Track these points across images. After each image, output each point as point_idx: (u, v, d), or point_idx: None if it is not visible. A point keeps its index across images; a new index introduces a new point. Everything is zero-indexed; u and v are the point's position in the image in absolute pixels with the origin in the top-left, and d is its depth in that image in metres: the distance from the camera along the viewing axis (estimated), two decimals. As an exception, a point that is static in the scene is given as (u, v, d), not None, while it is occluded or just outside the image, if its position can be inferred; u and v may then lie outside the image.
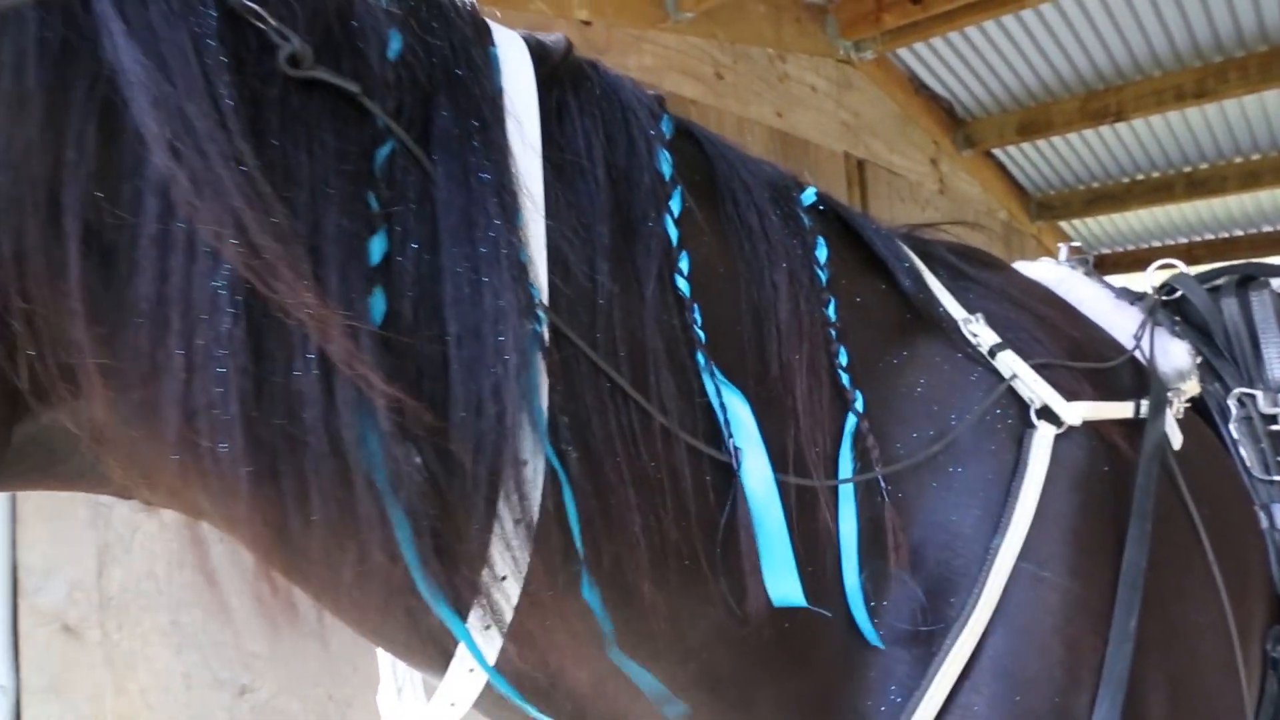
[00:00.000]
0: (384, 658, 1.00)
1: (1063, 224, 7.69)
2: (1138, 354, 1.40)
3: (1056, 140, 6.31)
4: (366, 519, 0.70)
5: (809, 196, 1.14)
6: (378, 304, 0.71)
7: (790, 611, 0.94)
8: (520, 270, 0.75)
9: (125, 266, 0.65)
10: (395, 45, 0.77)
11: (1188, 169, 6.58)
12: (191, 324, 0.65)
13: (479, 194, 0.75)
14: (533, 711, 0.91)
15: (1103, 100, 5.52)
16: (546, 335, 0.78)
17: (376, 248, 0.72)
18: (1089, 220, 7.58)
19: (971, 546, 1.03)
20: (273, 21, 0.70)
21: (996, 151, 6.60)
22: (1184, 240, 7.91)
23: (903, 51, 5.38)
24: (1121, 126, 5.99)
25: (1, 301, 0.64)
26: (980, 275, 1.28)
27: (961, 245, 1.37)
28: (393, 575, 0.73)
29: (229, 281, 0.65)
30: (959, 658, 0.98)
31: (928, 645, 0.99)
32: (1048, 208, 7.21)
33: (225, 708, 2.39)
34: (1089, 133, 6.14)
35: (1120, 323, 1.48)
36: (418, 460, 0.71)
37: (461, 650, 0.78)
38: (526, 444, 0.75)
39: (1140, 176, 6.77)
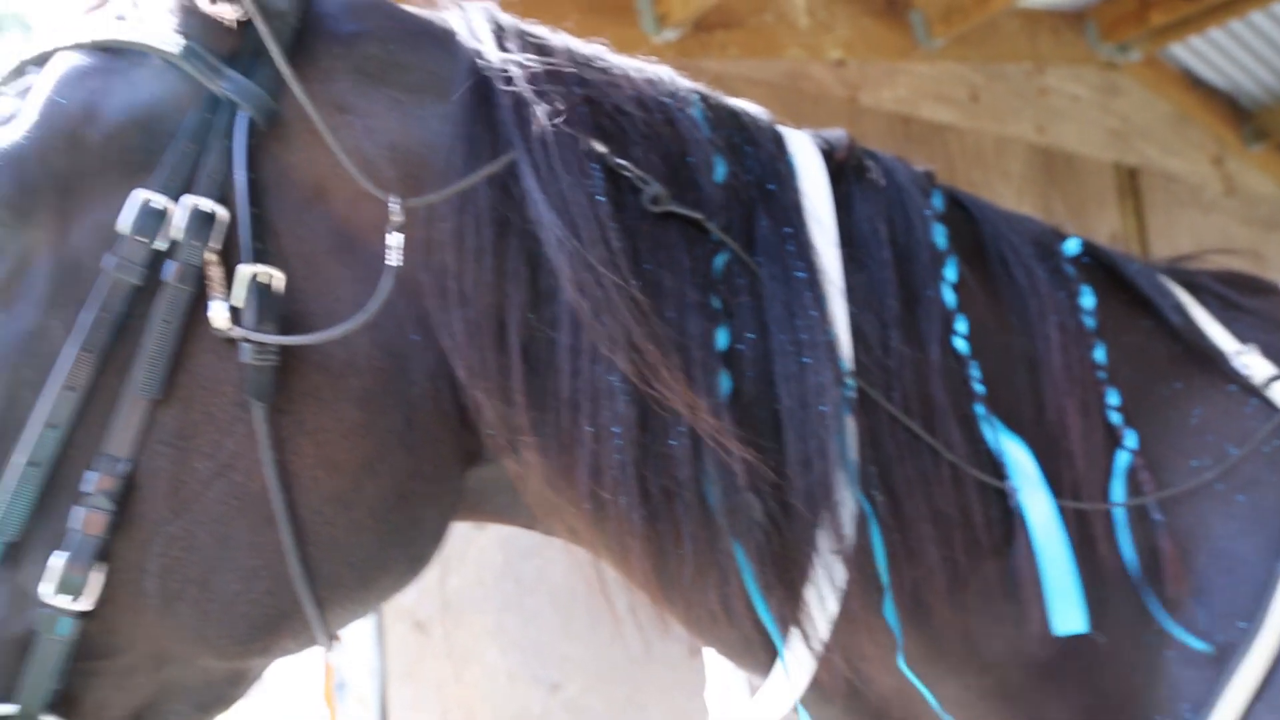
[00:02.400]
0: (714, 662, 1.19)
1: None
2: None
3: (1369, 125, 5.66)
4: (721, 554, 0.92)
5: (1072, 247, 1.24)
6: (725, 383, 0.93)
7: (1079, 634, 1.04)
8: (832, 348, 0.95)
9: (548, 368, 0.91)
10: (720, 171, 1.00)
11: None
12: (596, 408, 0.90)
13: (797, 288, 0.97)
14: (842, 713, 1.08)
15: None
16: (855, 398, 0.96)
17: (721, 339, 0.95)
18: None
19: (1256, 571, 1.08)
20: (639, 172, 0.93)
21: (1294, 143, 6.02)
22: None
23: (1175, 48, 5.07)
24: None
25: (468, 393, 0.92)
26: (1251, 304, 1.31)
27: (1230, 273, 1.40)
28: (737, 596, 0.94)
29: (622, 376, 0.89)
30: (1249, 678, 1.03)
31: (1217, 667, 1.05)
32: (1363, 199, 6.44)
33: (540, 702, 2.71)
34: None
35: None
36: (759, 507, 0.92)
37: (785, 654, 0.96)
38: (843, 491, 0.94)
39: None
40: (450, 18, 1.03)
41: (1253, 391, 1.19)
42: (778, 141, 1.08)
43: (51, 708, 0.81)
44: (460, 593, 2.61)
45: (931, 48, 3.89)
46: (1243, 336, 1.24)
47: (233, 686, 0.95)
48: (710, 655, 1.19)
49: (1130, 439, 1.12)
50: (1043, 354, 1.11)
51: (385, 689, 2.49)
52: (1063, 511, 1.05)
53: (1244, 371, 1.20)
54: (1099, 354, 1.15)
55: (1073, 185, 4.47)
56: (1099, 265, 1.26)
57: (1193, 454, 1.14)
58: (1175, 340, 1.22)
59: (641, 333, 0.88)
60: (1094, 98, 4.73)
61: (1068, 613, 1.02)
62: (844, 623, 0.96)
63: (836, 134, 1.13)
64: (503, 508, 1.05)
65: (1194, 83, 5.35)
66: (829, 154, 1.10)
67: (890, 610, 0.99)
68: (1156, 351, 1.22)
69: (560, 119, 0.93)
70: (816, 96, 3.49)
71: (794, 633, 0.95)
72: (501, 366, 0.91)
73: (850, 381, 0.96)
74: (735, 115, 1.09)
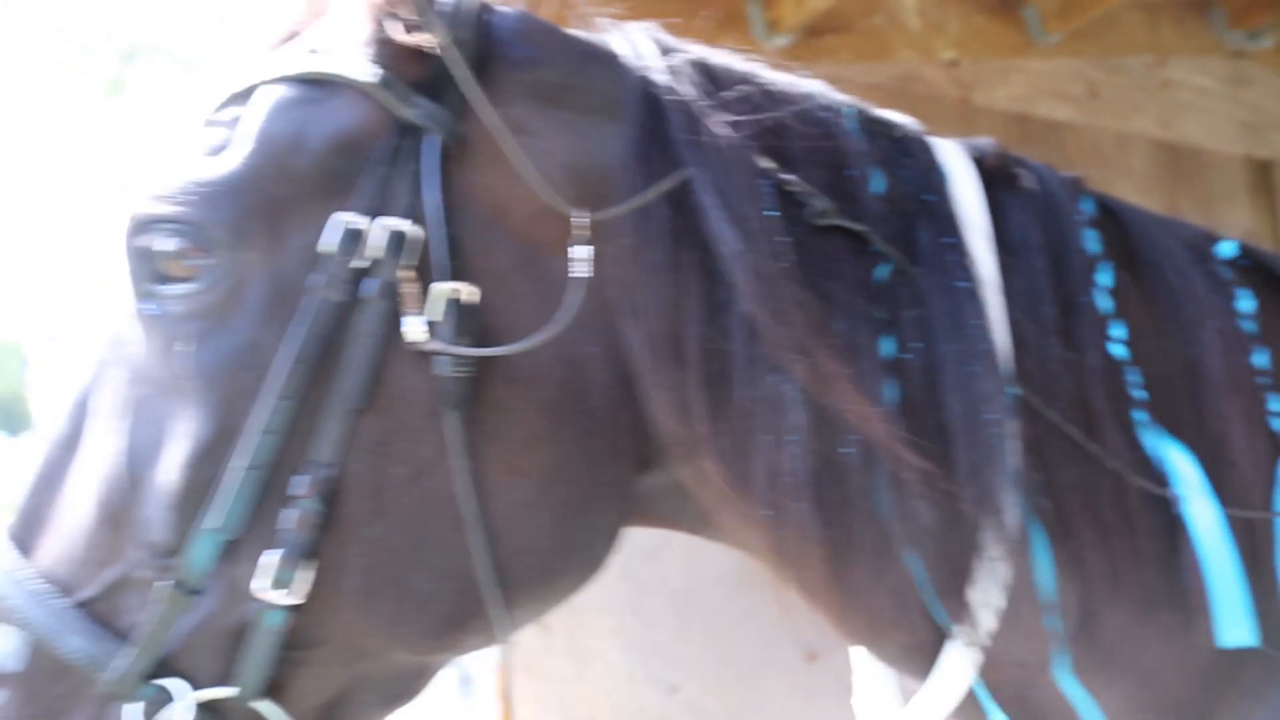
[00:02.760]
0: (861, 666, 1.21)
1: None
2: None
3: None
4: (896, 559, 0.95)
5: (1228, 249, 1.21)
6: (891, 392, 0.96)
7: (1246, 648, 1.02)
8: (995, 356, 0.97)
9: (724, 378, 0.95)
10: (879, 183, 1.02)
11: None
12: (772, 417, 0.93)
13: (960, 298, 0.99)
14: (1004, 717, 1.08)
15: None
16: (1016, 405, 0.98)
17: (886, 348, 0.97)
18: None
19: None
20: (805, 186, 0.96)
21: None
22: None
23: (1311, 33, 4.82)
24: None
25: (646, 403, 0.96)
26: None
27: None
28: (911, 601, 0.97)
29: (797, 386, 0.93)
30: None
31: None
32: None
33: (659, 702, 2.75)
34: None
35: None
36: (929, 514, 0.95)
37: (946, 658, 0.97)
38: (1009, 497, 0.95)
39: None
40: (614, 40, 1.08)
41: None
42: (930, 151, 1.10)
43: (263, 692, 0.88)
44: (582, 594, 2.66)
45: (1047, 43, 3.80)
46: None
47: (417, 679, 1.01)
48: (859, 660, 1.21)
49: None
50: (1201, 359, 1.10)
51: (509, 685, 2.56)
52: (1229, 521, 1.03)
53: None
54: (1259, 359, 1.13)
55: (1200, 182, 4.30)
56: (1257, 268, 1.23)
57: None
58: None
59: (816, 342, 0.92)
60: (1222, 89, 4.53)
61: (1234, 625, 1.00)
62: (1007, 628, 0.97)
63: (985, 142, 1.15)
64: (671, 513, 1.09)
65: (1332, 69, 5.08)
66: (979, 162, 1.11)
67: (1052, 619, 0.99)
68: None
69: (730, 137, 0.97)
70: (929, 98, 3.45)
71: (958, 638, 0.97)
72: (680, 377, 0.95)
73: (1012, 389, 0.97)
74: (888, 126, 1.12)
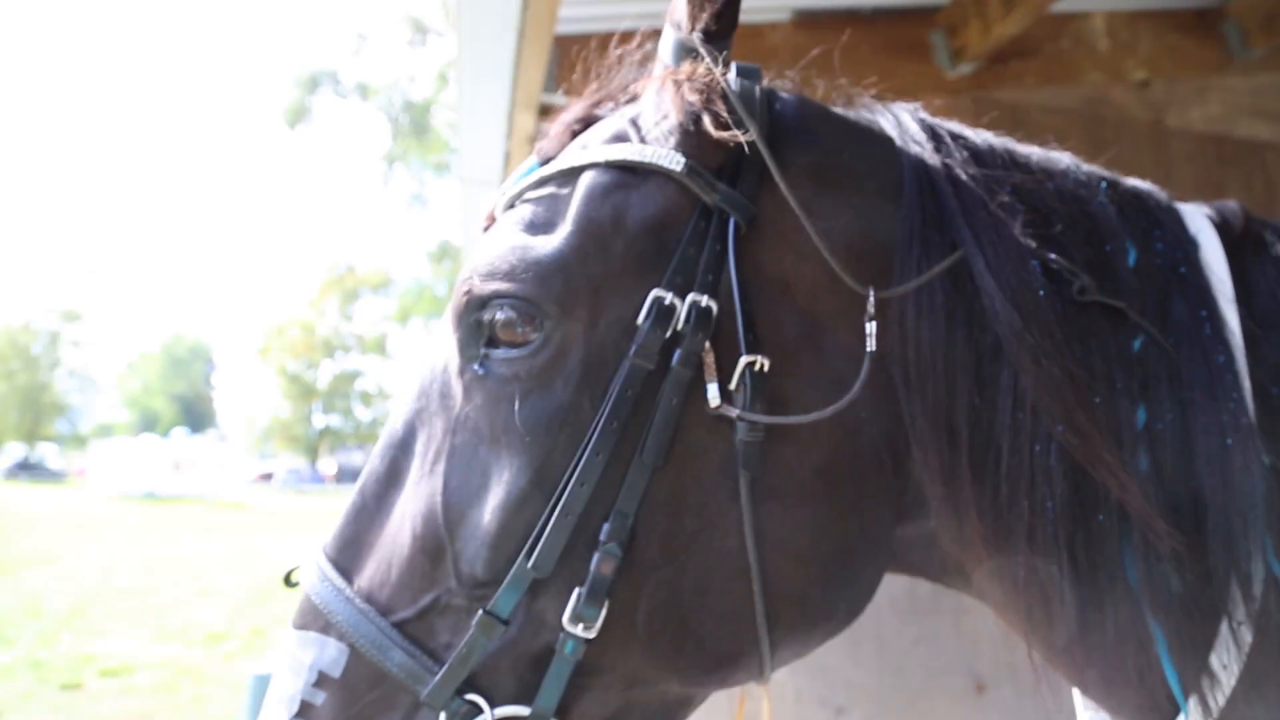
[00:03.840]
0: (1083, 712, 1.24)
1: None
2: None
3: None
4: (1140, 624, 0.99)
5: None
6: (1143, 460, 1.00)
7: None
8: (1253, 430, 1.00)
9: (989, 446, 1.02)
10: (1132, 256, 1.06)
11: None
12: (1034, 484, 0.99)
13: (1218, 372, 1.02)
14: None
15: None
16: (1268, 475, 1.00)
17: (1140, 416, 1.01)
18: None
19: None
20: (1068, 264, 1.04)
21: None
22: None
23: None
24: None
25: (915, 467, 1.04)
26: None
27: None
28: (1150, 665, 1.01)
29: (1058, 455, 0.99)
30: None
31: None
32: None
33: (822, 722, 2.81)
34: None
35: None
36: (1177, 581, 0.98)
37: (1192, 705, 1.01)
38: (1258, 566, 0.98)
39: None
40: (884, 121, 1.15)
41: None
42: (1179, 221, 1.13)
43: (555, 713, 0.99)
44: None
45: (1248, 59, 3.62)
46: None
47: (681, 708, 1.10)
48: (1080, 706, 1.24)
49: None
50: None
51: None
52: None
53: None
54: None
55: None
56: None
57: None
58: None
59: (1083, 416, 0.97)
60: None
61: None
62: (1245, 691, 0.99)
63: (1229, 206, 1.17)
64: (917, 562, 1.16)
65: None
66: (1226, 227, 1.14)
67: None
68: None
69: (1001, 218, 1.03)
70: (1118, 122, 3.35)
71: (1194, 698, 1.00)
72: (950, 445, 1.02)
73: (1265, 459, 1.00)
74: (1138, 198, 1.15)
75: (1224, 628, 0.98)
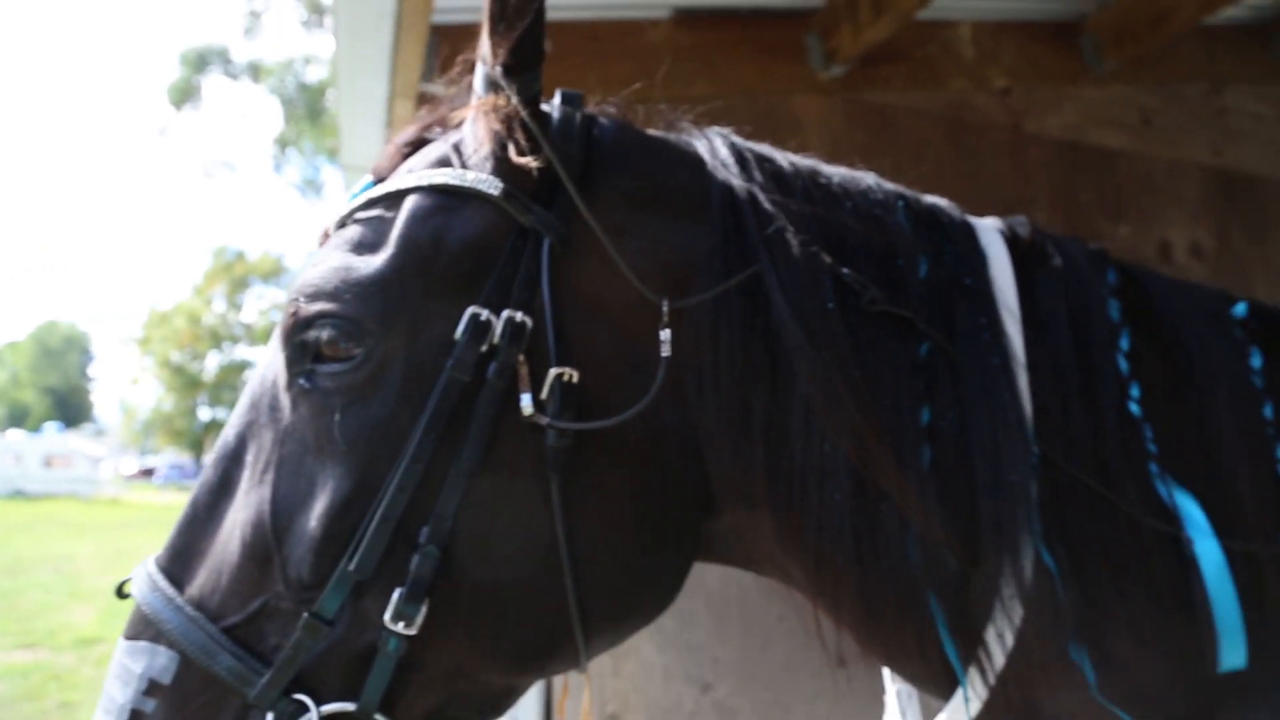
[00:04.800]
0: (892, 686, 1.34)
1: None
2: None
3: None
4: (917, 600, 1.09)
5: (1240, 310, 1.32)
6: (926, 455, 1.10)
7: (1240, 670, 1.14)
8: (1022, 424, 1.11)
9: (782, 446, 1.09)
10: (924, 269, 1.16)
11: None
12: (822, 480, 1.08)
13: (992, 373, 1.13)
14: None
15: None
16: (1038, 464, 1.10)
17: (924, 417, 1.11)
18: None
19: None
20: (859, 278, 1.13)
21: None
22: None
23: (1376, 62, 4.78)
24: None
25: (714, 464, 1.11)
26: None
27: None
28: (930, 639, 1.11)
29: (845, 455, 1.07)
30: None
31: None
32: None
33: (691, 699, 2.89)
34: None
35: None
36: (951, 562, 1.09)
37: (963, 687, 1.11)
38: (1026, 544, 1.08)
39: None
40: (698, 144, 1.23)
41: None
42: (970, 235, 1.23)
43: (379, 708, 1.03)
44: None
45: (1102, 72, 3.85)
46: None
47: (505, 697, 1.16)
48: (889, 677, 1.34)
49: None
50: (1212, 415, 1.21)
51: (551, 678, 2.72)
52: (1232, 558, 1.15)
53: None
54: (1268, 411, 1.24)
55: (1253, 209, 4.31)
56: (1268, 325, 1.34)
57: None
58: None
59: (862, 420, 1.07)
60: (1279, 116, 4.53)
61: (1234, 651, 1.12)
62: (1020, 660, 1.10)
63: (1020, 220, 1.27)
64: (725, 553, 1.23)
65: (1396, 98, 5.03)
66: (1014, 241, 1.24)
67: (1075, 650, 1.12)
68: None
69: (797, 237, 1.12)
70: (980, 126, 3.53)
71: (974, 668, 1.10)
72: (745, 446, 1.10)
73: (1035, 449, 1.11)
74: (933, 214, 1.25)
75: (997, 605, 1.07)
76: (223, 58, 35.24)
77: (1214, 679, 1.14)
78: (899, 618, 1.10)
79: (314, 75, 32.03)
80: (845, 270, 1.13)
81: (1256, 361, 1.27)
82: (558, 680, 1.23)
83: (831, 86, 3.20)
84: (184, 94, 35.99)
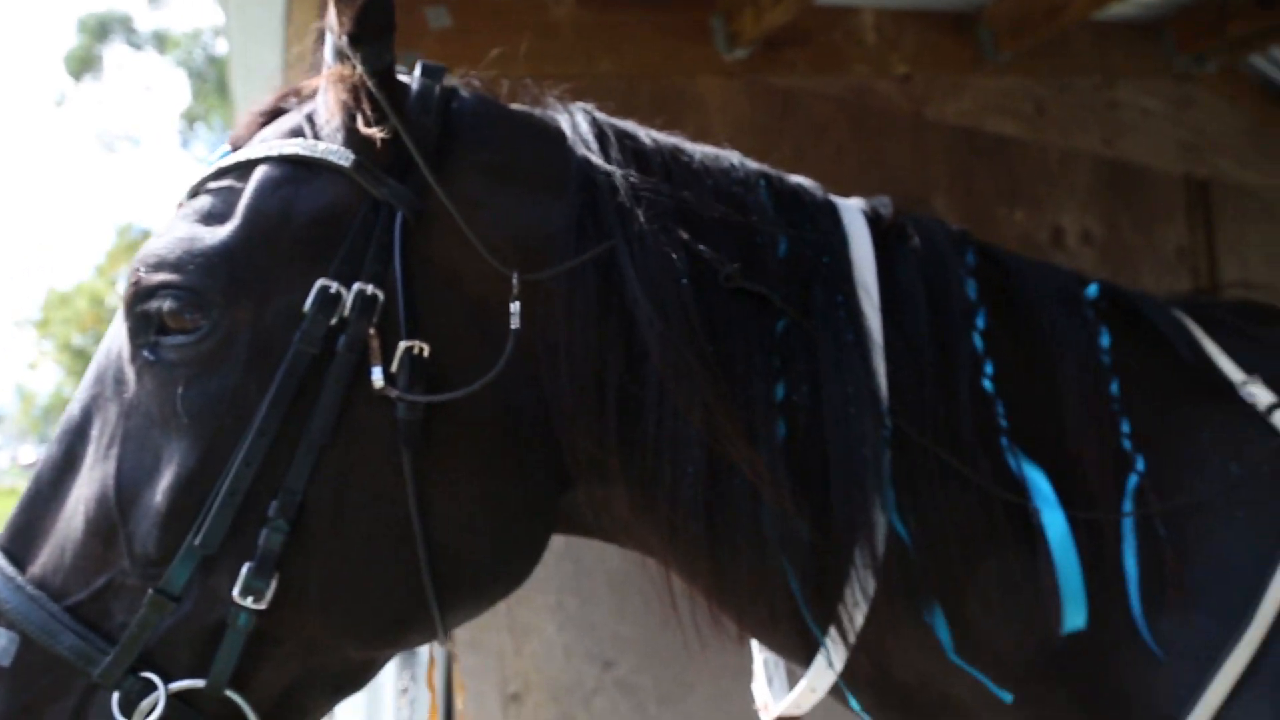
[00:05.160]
0: (759, 656, 1.37)
1: None
2: None
3: None
4: (773, 571, 1.12)
5: (1092, 291, 1.39)
6: (781, 429, 1.13)
7: (1081, 631, 1.20)
8: (874, 398, 1.14)
9: (636, 419, 1.11)
10: (783, 248, 1.18)
11: None
12: (675, 453, 1.09)
13: (846, 349, 1.16)
14: (873, 698, 1.25)
15: None
16: (891, 437, 1.14)
17: (779, 391, 1.14)
18: None
19: (1250, 578, 1.22)
20: (715, 255, 1.14)
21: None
22: None
23: (1256, 58, 5.02)
24: None
25: (568, 438, 1.12)
26: (1263, 333, 1.43)
27: (1245, 303, 1.52)
28: (784, 606, 1.14)
29: (696, 429, 1.09)
30: (1237, 664, 1.17)
31: (1213, 656, 1.19)
32: None
33: (593, 677, 2.91)
34: None
35: None
36: (804, 532, 1.11)
37: (822, 654, 1.15)
38: (878, 516, 1.11)
39: None
40: (561, 120, 1.23)
41: (1256, 418, 1.32)
42: (832, 215, 1.27)
43: (229, 683, 1.02)
44: (524, 572, 2.82)
45: (998, 62, 3.95)
46: (1250, 366, 1.38)
47: (364, 671, 1.16)
48: (756, 646, 1.37)
49: (1139, 463, 1.26)
50: (1062, 391, 1.27)
51: (451, 658, 2.71)
52: (1076, 527, 1.20)
53: (1249, 400, 1.33)
54: (1114, 388, 1.30)
55: (1140, 198, 4.49)
56: (1118, 306, 1.40)
57: (1197, 474, 1.28)
58: (1188, 371, 1.36)
59: (713, 395, 1.08)
60: (1166, 110, 4.73)
61: (1074, 614, 1.18)
62: (874, 626, 1.13)
63: (883, 200, 1.31)
64: (588, 525, 1.26)
65: (1274, 94, 5.28)
66: (876, 221, 1.28)
67: (928, 614, 1.17)
68: (1170, 383, 1.36)
69: (652, 213, 1.13)
70: (882, 111, 3.60)
71: (831, 633, 1.13)
72: (599, 419, 1.11)
73: (889, 423, 1.14)
74: (795, 194, 1.28)
75: (852, 574, 1.11)
76: (125, 26, 33.84)
77: (1058, 640, 1.19)
78: (754, 587, 1.13)
79: (225, 47, 31.01)
80: (702, 247, 1.14)
81: (1105, 340, 1.33)
82: (446, 657, 1.22)
83: (735, 69, 3.23)
84: (83, 64, 34.47)
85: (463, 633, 2.74)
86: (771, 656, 1.35)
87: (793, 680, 1.34)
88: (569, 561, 2.81)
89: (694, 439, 1.09)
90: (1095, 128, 4.37)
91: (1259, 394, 1.32)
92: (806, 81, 3.37)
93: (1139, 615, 1.21)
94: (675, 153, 1.24)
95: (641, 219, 1.12)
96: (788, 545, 1.11)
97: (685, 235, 1.14)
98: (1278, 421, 1.30)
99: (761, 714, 1.33)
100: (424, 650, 2.81)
